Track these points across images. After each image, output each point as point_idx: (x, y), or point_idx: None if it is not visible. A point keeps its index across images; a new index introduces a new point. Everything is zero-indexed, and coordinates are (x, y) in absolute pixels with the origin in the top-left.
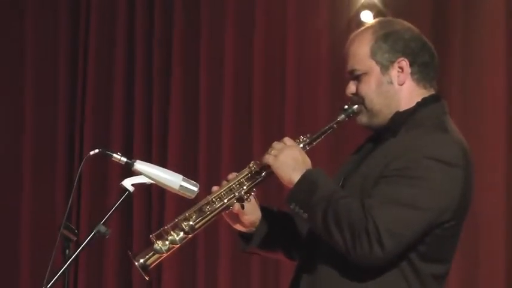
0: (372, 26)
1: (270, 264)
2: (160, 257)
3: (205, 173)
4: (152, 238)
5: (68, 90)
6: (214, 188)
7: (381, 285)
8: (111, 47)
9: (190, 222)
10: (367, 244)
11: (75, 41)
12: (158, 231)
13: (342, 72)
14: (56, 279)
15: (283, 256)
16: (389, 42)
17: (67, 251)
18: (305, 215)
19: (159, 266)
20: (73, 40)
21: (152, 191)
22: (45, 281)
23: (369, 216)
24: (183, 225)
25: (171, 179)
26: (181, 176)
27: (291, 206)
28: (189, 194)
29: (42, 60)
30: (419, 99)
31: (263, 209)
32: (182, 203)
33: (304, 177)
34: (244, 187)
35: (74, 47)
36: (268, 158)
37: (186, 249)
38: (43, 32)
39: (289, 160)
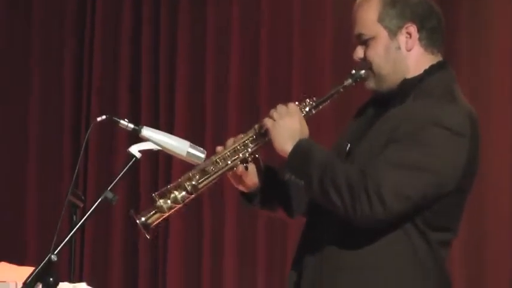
0: None
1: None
2: (162, 215)
3: (212, 140)
4: (155, 196)
5: (74, 59)
6: (219, 149)
7: (387, 249)
8: (118, 17)
9: (193, 182)
10: (367, 203)
11: (82, 9)
12: (161, 190)
13: (347, 50)
14: (63, 245)
15: (285, 215)
16: (397, 7)
17: (74, 218)
18: (302, 183)
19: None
20: (79, 8)
21: (159, 158)
22: (52, 247)
23: (369, 176)
24: (186, 185)
25: (178, 146)
26: (188, 143)
27: (287, 177)
28: (196, 161)
29: (48, 29)
30: (426, 66)
31: (266, 169)
32: (189, 169)
33: (297, 147)
34: (249, 149)
35: (80, 15)
36: (268, 122)
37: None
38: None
39: (287, 128)
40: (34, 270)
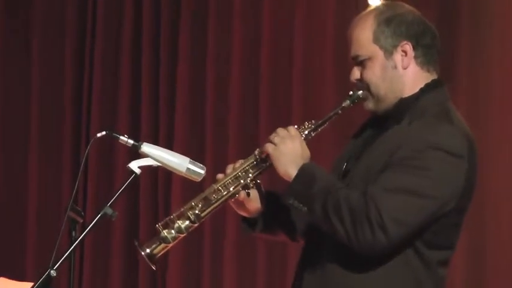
0: (373, 10)
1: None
2: (167, 246)
3: (212, 156)
4: (158, 227)
5: (74, 72)
6: (219, 176)
7: (386, 274)
8: (118, 26)
9: (196, 211)
10: (369, 230)
11: (83, 18)
12: (164, 221)
13: (348, 57)
14: (62, 261)
15: (286, 238)
16: (392, 26)
17: (73, 233)
18: (304, 209)
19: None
20: (80, 17)
21: (159, 174)
22: (51, 263)
23: (370, 203)
24: (189, 214)
25: (178, 162)
26: (188, 159)
27: (289, 201)
28: (195, 177)
29: (49, 40)
30: (422, 84)
31: (268, 194)
32: (188, 185)
33: (301, 171)
34: (250, 175)
35: (81, 24)
36: (269, 147)
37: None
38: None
39: (289, 152)
40: (33, 286)
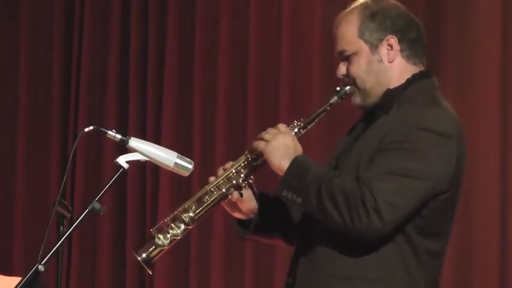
0: (358, 6)
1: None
2: (163, 250)
3: (200, 151)
4: (153, 232)
5: (62, 67)
6: (211, 179)
7: (377, 260)
8: (106, 21)
9: (190, 214)
10: (364, 215)
11: (70, 14)
12: (158, 225)
13: (334, 53)
14: (50, 256)
15: (282, 241)
16: (377, 20)
17: (61, 228)
18: (299, 200)
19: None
20: (68, 12)
21: (146, 172)
22: (39, 257)
23: (364, 187)
24: (183, 217)
25: (166, 156)
26: (175, 153)
27: (283, 193)
28: (183, 171)
29: (36, 36)
30: (409, 76)
31: (261, 195)
32: (176, 184)
33: (293, 163)
34: (242, 175)
35: (69, 19)
36: (260, 144)
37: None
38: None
39: (281, 146)
40: (21, 281)
